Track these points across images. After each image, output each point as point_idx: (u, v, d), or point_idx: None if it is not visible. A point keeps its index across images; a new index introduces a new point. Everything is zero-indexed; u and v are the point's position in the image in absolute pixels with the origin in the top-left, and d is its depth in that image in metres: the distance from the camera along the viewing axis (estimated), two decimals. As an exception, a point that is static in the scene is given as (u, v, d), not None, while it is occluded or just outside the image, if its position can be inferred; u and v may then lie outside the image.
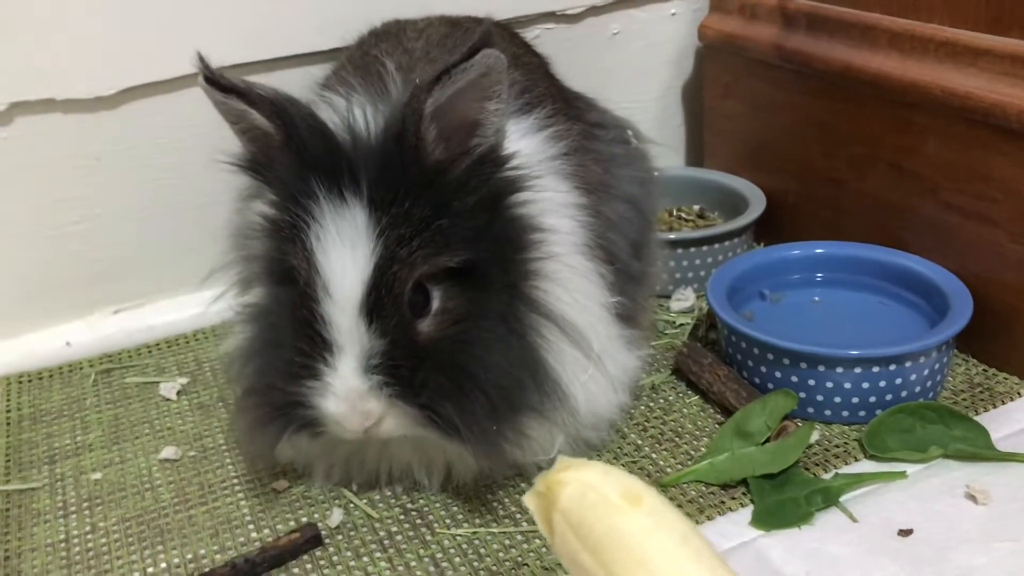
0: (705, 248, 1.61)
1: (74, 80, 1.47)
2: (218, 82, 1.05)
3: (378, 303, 1.02)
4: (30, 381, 1.54)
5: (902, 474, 1.18)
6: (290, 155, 1.05)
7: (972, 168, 1.33)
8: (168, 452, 1.32)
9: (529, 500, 0.76)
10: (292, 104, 1.05)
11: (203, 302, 1.65)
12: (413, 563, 1.10)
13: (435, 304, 1.06)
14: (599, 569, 0.71)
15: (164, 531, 1.19)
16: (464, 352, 1.05)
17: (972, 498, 1.14)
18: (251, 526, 1.18)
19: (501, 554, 1.11)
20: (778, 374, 1.29)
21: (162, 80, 1.52)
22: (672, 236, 1.61)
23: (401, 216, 1.03)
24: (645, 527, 0.71)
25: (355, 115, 1.07)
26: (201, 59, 1.06)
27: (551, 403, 1.10)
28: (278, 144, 1.05)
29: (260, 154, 1.09)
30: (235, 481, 1.27)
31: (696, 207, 1.83)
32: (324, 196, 1.03)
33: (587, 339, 1.14)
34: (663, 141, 1.96)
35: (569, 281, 1.15)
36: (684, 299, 1.59)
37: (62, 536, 1.19)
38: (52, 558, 1.15)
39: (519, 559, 1.10)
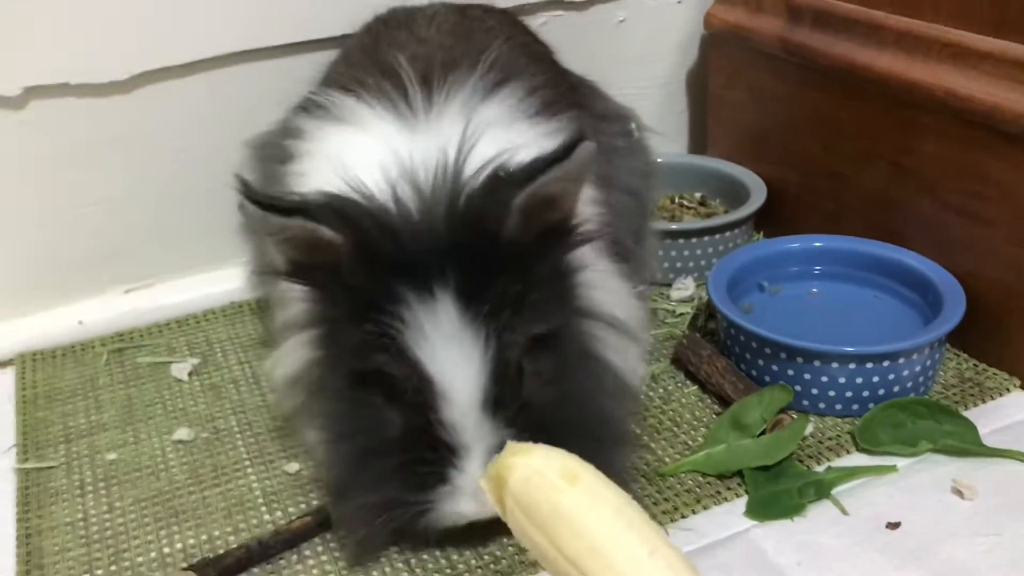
0: (706, 238, 1.64)
1: (88, 65, 1.49)
2: (277, 206, 0.99)
3: (500, 396, 1.00)
4: (43, 359, 1.57)
5: (892, 468, 1.22)
6: (362, 261, 1.00)
7: (970, 169, 1.36)
8: (181, 433, 1.36)
9: (484, 483, 0.86)
10: (354, 207, 1.00)
11: (213, 282, 1.70)
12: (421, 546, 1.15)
13: (527, 370, 1.04)
14: (545, 542, 0.80)
15: (179, 512, 1.23)
16: (573, 411, 1.06)
17: (959, 493, 1.18)
18: (264, 508, 1.22)
19: (505, 540, 1.15)
20: (775, 367, 1.33)
21: (176, 65, 1.54)
22: (674, 227, 1.64)
23: (497, 299, 1.00)
24: (583, 503, 0.80)
25: (411, 184, 1.02)
26: (244, 184, 1.00)
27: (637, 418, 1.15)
28: (347, 251, 1.00)
29: (304, 259, 1.04)
30: (247, 463, 1.31)
31: (698, 194, 1.86)
32: (414, 298, 0.99)
33: (634, 331, 1.18)
34: (666, 127, 2.00)
35: (606, 282, 1.18)
36: (684, 288, 1.62)
37: (80, 515, 1.23)
38: (71, 537, 1.19)
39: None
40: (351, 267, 1.00)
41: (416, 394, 1.01)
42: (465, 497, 1.01)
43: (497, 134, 1.11)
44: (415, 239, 1.00)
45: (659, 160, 1.82)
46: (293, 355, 1.17)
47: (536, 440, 0.94)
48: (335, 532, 1.16)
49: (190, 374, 1.51)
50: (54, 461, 1.33)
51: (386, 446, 1.04)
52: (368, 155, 1.10)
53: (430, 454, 1.01)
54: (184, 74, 1.56)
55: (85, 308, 1.64)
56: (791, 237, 1.56)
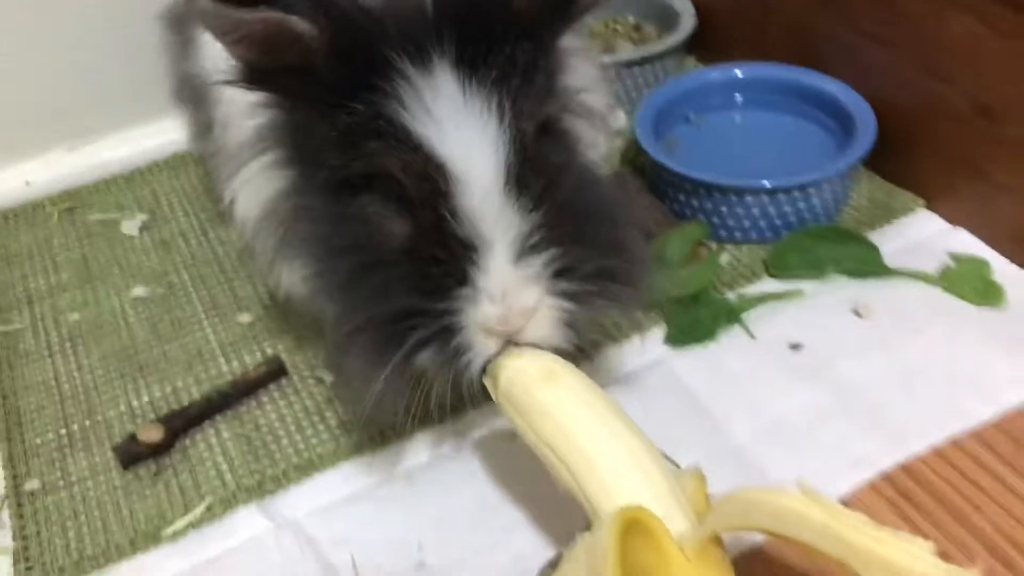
0: (636, 69, 1.67)
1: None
2: None
3: (522, 174, 0.88)
4: (-4, 222, 1.62)
5: (799, 292, 1.33)
6: (340, 52, 0.87)
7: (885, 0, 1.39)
8: (138, 291, 1.43)
9: (485, 380, 0.95)
10: None
11: (154, 135, 1.72)
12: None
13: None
14: (527, 429, 0.92)
15: (143, 366, 1.32)
16: (592, 197, 0.97)
17: (857, 313, 1.29)
18: (221, 358, 1.32)
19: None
20: (695, 202, 1.41)
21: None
22: (605, 59, 1.67)
23: (506, 66, 0.88)
24: (559, 397, 0.91)
25: None
26: None
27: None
28: (323, 43, 0.87)
29: (266, 59, 0.90)
30: (202, 316, 1.39)
31: (631, 18, 1.87)
32: (409, 69, 0.86)
33: (605, 121, 1.15)
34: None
35: (578, 66, 1.10)
36: (616, 120, 1.66)
37: (51, 374, 1.32)
38: (45, 395, 1.29)
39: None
40: (328, 61, 0.87)
41: (422, 182, 0.87)
42: (491, 302, 0.89)
43: None
44: (404, 13, 0.88)
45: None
46: (255, 185, 1.06)
47: (565, 226, 0.91)
48: (333, 382, 1.17)
49: (140, 230, 1.56)
50: (20, 323, 1.41)
51: (388, 256, 0.91)
52: None
53: (443, 252, 0.88)
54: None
55: (31, 168, 1.67)
56: (712, 68, 1.59)
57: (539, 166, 0.91)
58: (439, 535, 1.07)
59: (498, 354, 0.93)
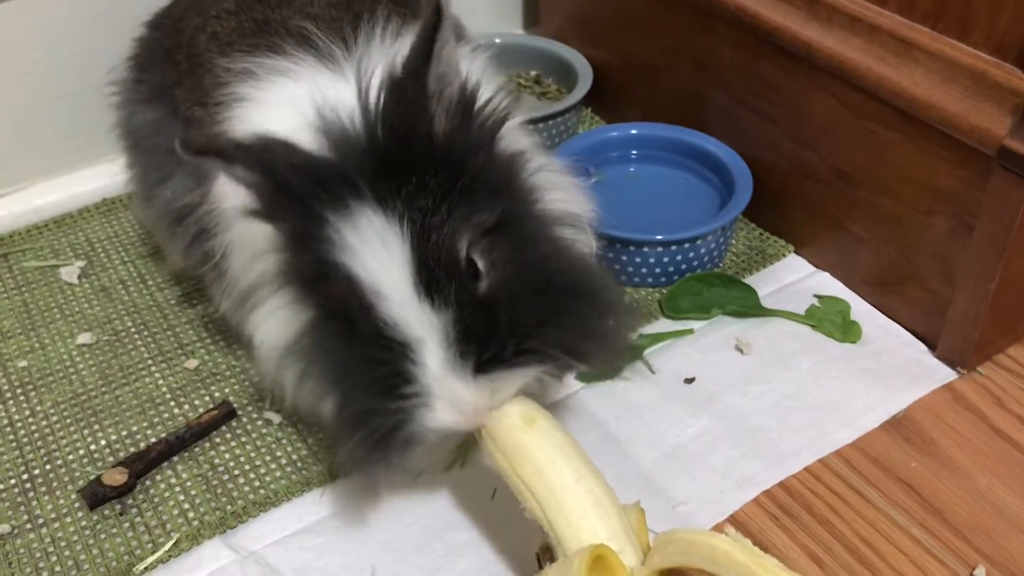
0: (540, 125, 1.85)
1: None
2: (190, 146, 1.02)
3: (432, 279, 1.01)
4: (-70, 269, 1.67)
5: (690, 331, 1.53)
6: (280, 200, 1.04)
7: (757, 75, 1.60)
8: (84, 338, 1.51)
9: None
10: (261, 145, 1.04)
11: (85, 180, 1.80)
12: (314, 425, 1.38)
13: (482, 264, 1.05)
14: (508, 466, 1.07)
15: (97, 411, 1.41)
16: (532, 281, 1.07)
17: (740, 350, 1.50)
18: (172, 403, 1.42)
19: (383, 415, 1.39)
20: (598, 251, 1.59)
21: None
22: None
23: (413, 192, 1.02)
24: (534, 439, 1.07)
25: (327, 120, 1.05)
26: (183, 133, 1.05)
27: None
28: (265, 191, 1.04)
29: (257, 199, 1.07)
30: (150, 362, 1.48)
31: (533, 72, 2.05)
32: (333, 216, 1.01)
33: (589, 225, 1.27)
34: (501, 4, 2.14)
35: (556, 180, 1.24)
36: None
37: (5, 421, 1.39)
38: (2, 441, 1.36)
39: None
40: (269, 207, 1.05)
41: (356, 299, 1.02)
42: (441, 402, 1.03)
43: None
44: (321, 169, 1.03)
45: (498, 41, 2.01)
46: (275, 317, 1.19)
47: (493, 311, 1.03)
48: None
49: (79, 277, 1.63)
50: (-33, 371, 1.47)
51: (353, 360, 1.07)
52: (300, 103, 1.12)
53: (385, 354, 1.03)
54: (39, -13, 1.60)
55: (-38, 216, 1.72)
56: (611, 126, 1.78)
57: (455, 271, 1.02)
58: (390, 560, 1.21)
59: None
